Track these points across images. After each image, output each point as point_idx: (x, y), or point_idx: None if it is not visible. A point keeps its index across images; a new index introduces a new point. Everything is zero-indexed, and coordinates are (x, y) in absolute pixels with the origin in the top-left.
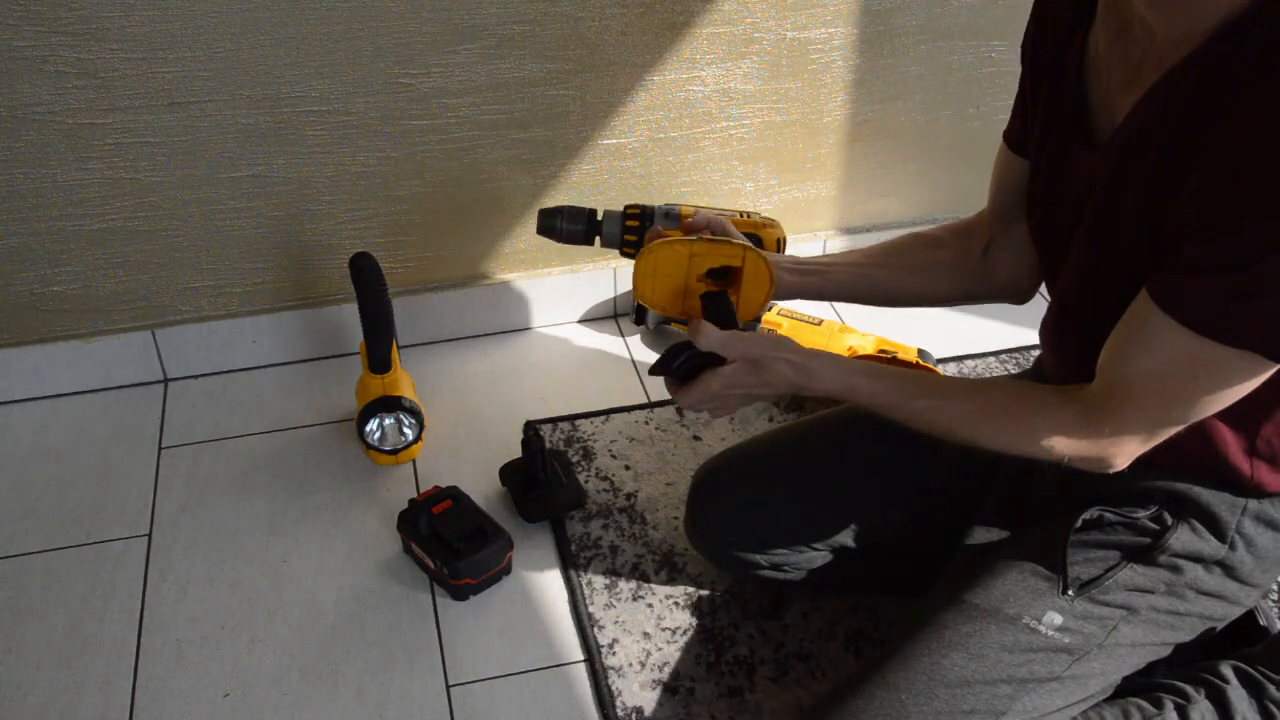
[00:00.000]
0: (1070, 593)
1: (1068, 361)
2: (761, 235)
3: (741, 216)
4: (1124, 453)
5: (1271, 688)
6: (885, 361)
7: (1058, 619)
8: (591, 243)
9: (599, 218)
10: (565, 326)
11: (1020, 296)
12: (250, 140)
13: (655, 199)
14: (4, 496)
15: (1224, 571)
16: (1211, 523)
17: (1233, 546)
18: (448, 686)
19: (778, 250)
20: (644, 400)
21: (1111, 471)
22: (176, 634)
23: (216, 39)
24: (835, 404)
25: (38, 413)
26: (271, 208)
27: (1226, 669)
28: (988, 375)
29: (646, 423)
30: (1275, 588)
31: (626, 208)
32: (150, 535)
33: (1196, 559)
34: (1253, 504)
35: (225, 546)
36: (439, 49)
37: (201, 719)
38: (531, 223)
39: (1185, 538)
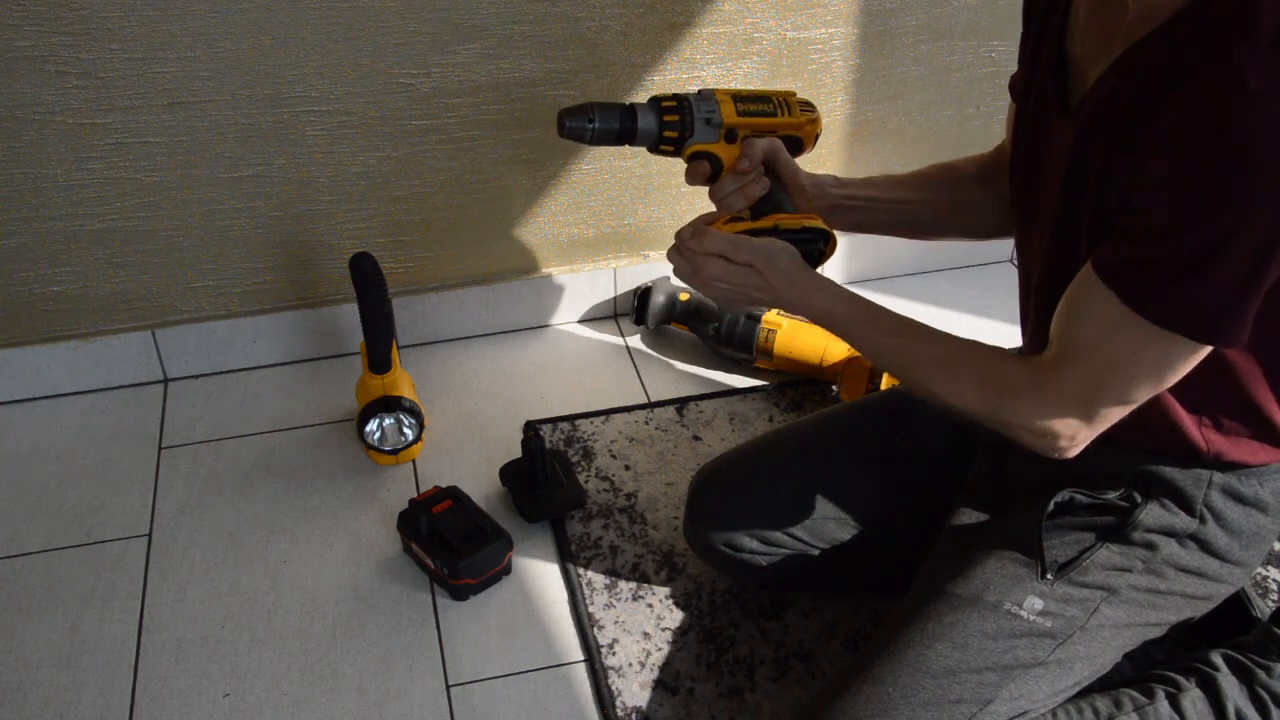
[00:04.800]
0: (1049, 576)
1: (1039, 334)
2: (802, 135)
3: (781, 109)
4: (1067, 430)
5: (1261, 673)
6: None
7: (1039, 603)
8: (624, 142)
9: (632, 112)
10: (565, 326)
11: None
12: (250, 140)
13: (655, 198)
14: (4, 496)
15: (1199, 546)
16: (1179, 498)
17: (1203, 520)
18: (448, 686)
19: (813, 143)
20: (644, 400)
21: (1061, 455)
22: (176, 634)
23: (216, 39)
24: (830, 403)
25: (38, 413)
26: (271, 208)
27: (1216, 657)
28: None
29: (646, 423)
30: (1263, 571)
31: (662, 108)
32: (150, 535)
33: (1169, 533)
34: (1218, 477)
35: (225, 546)
36: (439, 49)
37: (201, 719)
38: (532, 222)
39: (1156, 513)
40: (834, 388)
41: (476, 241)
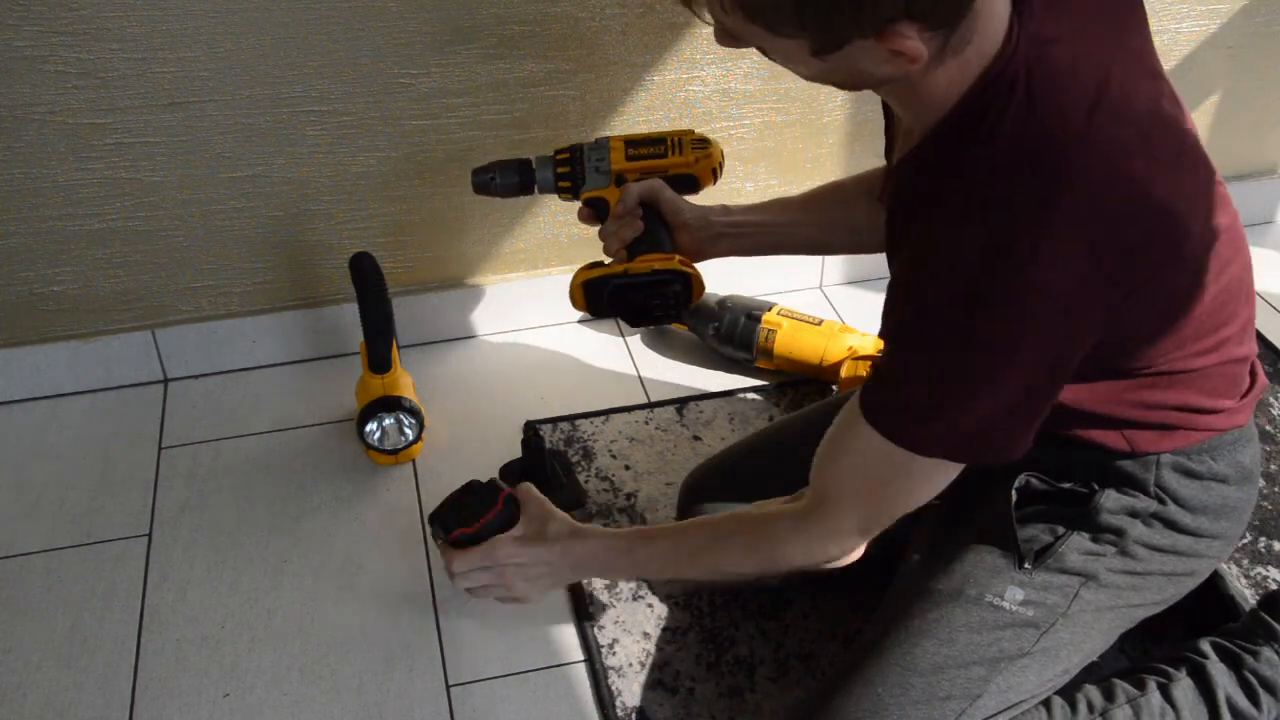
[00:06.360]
0: (1027, 565)
1: None
2: (695, 173)
3: (673, 150)
4: (844, 549)
5: (1249, 659)
6: None
7: (1019, 593)
8: (530, 192)
9: (532, 165)
10: (565, 326)
11: None
12: (250, 140)
13: None
14: (4, 496)
15: (1165, 525)
16: (1131, 482)
17: (1160, 500)
18: (448, 686)
19: (714, 179)
20: (644, 400)
21: (842, 566)
22: (176, 634)
23: (216, 39)
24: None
25: (38, 413)
26: (271, 208)
27: (1205, 645)
28: None
29: (646, 423)
30: (1263, 571)
31: (556, 153)
32: (150, 535)
33: (1133, 514)
34: (1165, 458)
35: (225, 546)
36: (439, 49)
37: (201, 719)
38: (532, 222)
39: (1114, 498)
40: (834, 388)
41: (477, 241)
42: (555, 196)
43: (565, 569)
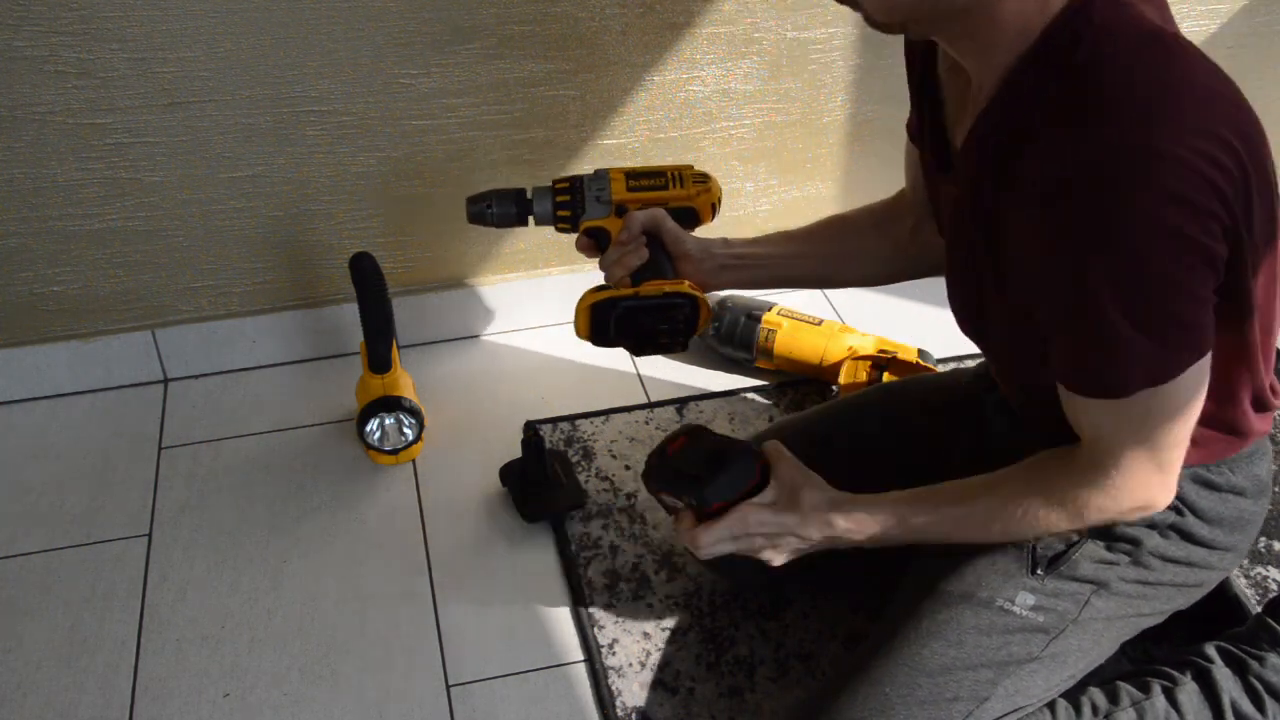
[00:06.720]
0: (1039, 571)
1: (988, 358)
2: (695, 206)
3: (673, 183)
4: (1148, 490)
5: (1255, 664)
6: (885, 361)
7: (1030, 599)
8: (526, 223)
9: (529, 196)
10: (565, 326)
11: None
12: (250, 140)
13: None
14: (4, 496)
15: (1181, 536)
16: None
17: (1179, 511)
18: (448, 686)
19: (712, 215)
20: (644, 400)
21: (1161, 507)
22: (176, 634)
23: (216, 39)
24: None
25: (38, 413)
26: (271, 208)
27: (1211, 650)
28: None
29: (646, 423)
30: (1263, 571)
31: (555, 183)
32: (150, 535)
33: (1150, 525)
34: (1185, 470)
35: (225, 546)
36: (439, 49)
37: (201, 719)
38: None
39: None
40: (834, 388)
41: (477, 242)
42: (549, 228)
43: (821, 541)
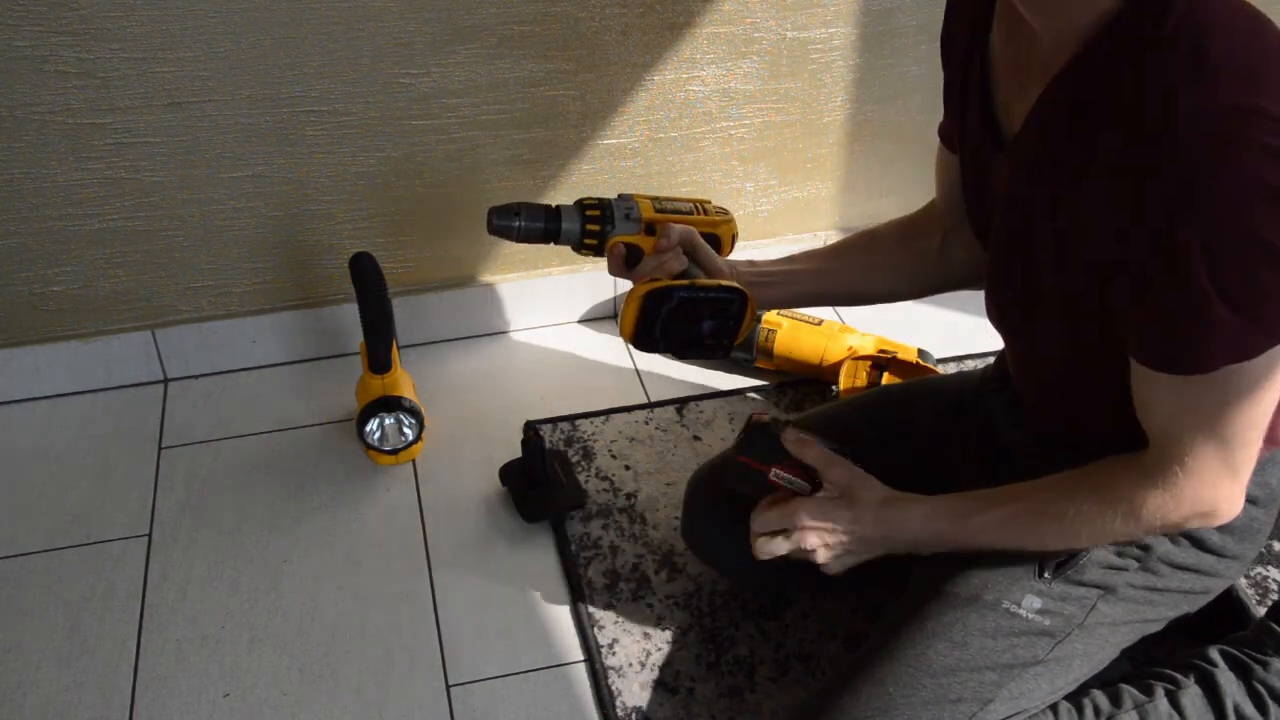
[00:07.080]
0: (1047, 575)
1: (1016, 354)
2: (718, 234)
3: (698, 212)
4: (1221, 494)
5: (1259, 669)
6: (885, 361)
7: (1037, 602)
8: (549, 241)
9: (557, 213)
10: (565, 326)
11: (981, 285)
12: (250, 140)
13: None
14: (4, 496)
15: (1193, 544)
16: None
17: None
18: (448, 686)
19: (730, 246)
20: (644, 400)
21: (1230, 518)
22: (176, 634)
23: (216, 39)
24: (822, 396)
25: (38, 413)
26: (271, 208)
27: (1215, 653)
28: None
29: (646, 423)
30: (1263, 571)
31: (584, 207)
32: (150, 535)
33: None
34: None
35: (225, 546)
36: (439, 49)
37: (201, 719)
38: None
39: None
40: (834, 388)
41: (477, 242)
42: (568, 247)
43: (876, 540)
